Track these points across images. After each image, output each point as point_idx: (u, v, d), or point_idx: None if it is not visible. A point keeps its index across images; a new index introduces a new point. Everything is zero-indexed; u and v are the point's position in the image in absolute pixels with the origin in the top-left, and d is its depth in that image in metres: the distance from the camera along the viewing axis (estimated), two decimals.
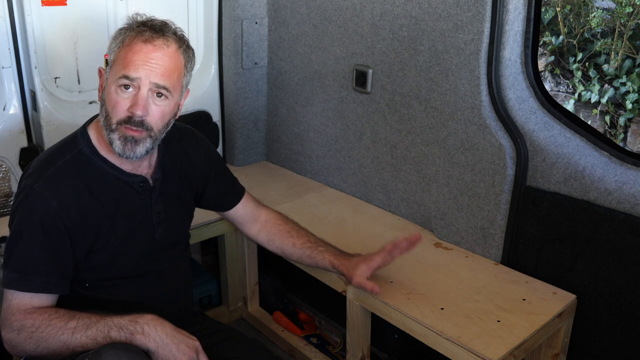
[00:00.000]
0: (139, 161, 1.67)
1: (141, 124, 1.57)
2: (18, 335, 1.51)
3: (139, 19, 1.62)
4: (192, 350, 1.54)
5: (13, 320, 1.52)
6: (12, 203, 1.64)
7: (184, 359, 1.51)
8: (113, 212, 1.65)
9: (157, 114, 1.59)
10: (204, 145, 1.93)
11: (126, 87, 1.55)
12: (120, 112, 1.56)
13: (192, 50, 1.67)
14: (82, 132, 1.67)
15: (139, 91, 1.55)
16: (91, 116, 1.73)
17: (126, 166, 1.67)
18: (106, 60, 1.65)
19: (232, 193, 2.03)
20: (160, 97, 1.58)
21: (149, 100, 1.57)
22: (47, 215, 1.54)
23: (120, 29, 1.62)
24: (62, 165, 1.60)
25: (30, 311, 1.53)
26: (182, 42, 1.63)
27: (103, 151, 1.65)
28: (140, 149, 1.59)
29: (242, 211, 2.04)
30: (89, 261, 1.63)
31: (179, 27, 1.65)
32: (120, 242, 1.67)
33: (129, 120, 1.56)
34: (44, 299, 1.56)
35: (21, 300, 1.54)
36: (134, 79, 1.54)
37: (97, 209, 1.62)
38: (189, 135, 1.91)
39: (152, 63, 1.55)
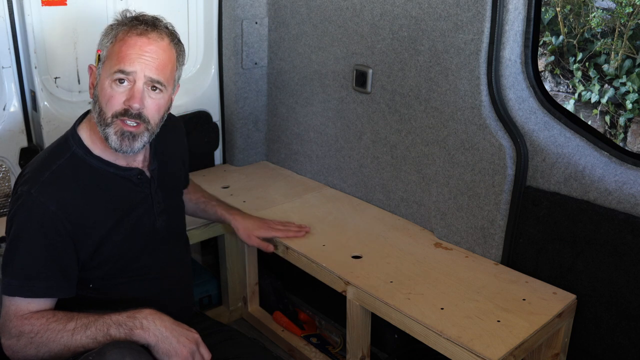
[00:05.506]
0: (133, 155, 1.68)
1: (139, 117, 1.58)
2: (18, 342, 1.50)
3: (128, 14, 1.63)
4: (192, 342, 1.53)
5: (11, 327, 1.51)
6: (8, 210, 1.62)
7: (185, 351, 1.50)
8: (113, 208, 1.66)
9: (154, 107, 1.60)
10: (184, 133, 1.98)
11: (121, 81, 1.55)
12: (116, 105, 1.56)
13: (183, 45, 1.69)
14: (72, 133, 1.67)
15: (135, 84, 1.56)
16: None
17: (121, 162, 1.68)
18: (98, 56, 1.64)
19: (185, 180, 2.08)
20: (154, 90, 1.59)
21: (145, 93, 1.57)
22: (46, 219, 1.53)
23: (112, 25, 1.62)
24: (57, 169, 1.59)
25: (27, 316, 1.51)
26: (174, 36, 1.65)
27: (96, 150, 1.65)
28: (138, 144, 1.60)
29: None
30: (94, 259, 1.63)
31: (169, 22, 1.67)
32: (123, 236, 1.67)
33: (125, 113, 1.56)
34: (42, 303, 1.55)
35: (18, 306, 1.52)
36: (130, 73, 1.55)
37: (96, 207, 1.62)
38: (177, 124, 1.95)
39: (147, 56, 1.56)
